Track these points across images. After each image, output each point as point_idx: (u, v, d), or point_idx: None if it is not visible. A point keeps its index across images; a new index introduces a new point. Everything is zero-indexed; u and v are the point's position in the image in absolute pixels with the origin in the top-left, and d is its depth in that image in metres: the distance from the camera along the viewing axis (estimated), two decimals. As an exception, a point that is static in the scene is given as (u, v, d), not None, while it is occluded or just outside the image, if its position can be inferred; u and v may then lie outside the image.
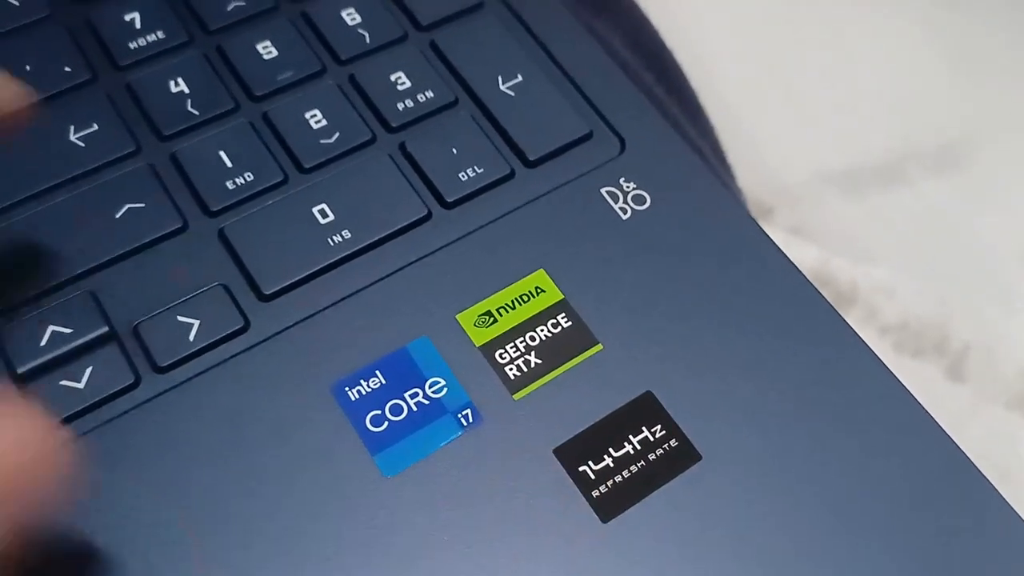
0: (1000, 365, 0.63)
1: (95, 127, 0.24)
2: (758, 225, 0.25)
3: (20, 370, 0.21)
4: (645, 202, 0.25)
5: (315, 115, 0.25)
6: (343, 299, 0.23)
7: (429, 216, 0.24)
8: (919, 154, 0.59)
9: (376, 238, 0.24)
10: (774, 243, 0.24)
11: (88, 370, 0.21)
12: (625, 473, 0.21)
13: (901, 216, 0.63)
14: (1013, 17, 0.61)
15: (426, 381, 0.22)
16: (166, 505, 0.20)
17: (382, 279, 0.23)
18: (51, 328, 0.21)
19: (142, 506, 0.20)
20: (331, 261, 0.23)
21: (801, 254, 0.62)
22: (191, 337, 0.22)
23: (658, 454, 0.21)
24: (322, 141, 0.25)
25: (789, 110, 0.61)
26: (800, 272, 0.24)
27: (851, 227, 0.63)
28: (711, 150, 0.32)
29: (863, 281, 0.63)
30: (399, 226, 0.24)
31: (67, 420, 0.21)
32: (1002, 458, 0.60)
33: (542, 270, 0.24)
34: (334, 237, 0.24)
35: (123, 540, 0.19)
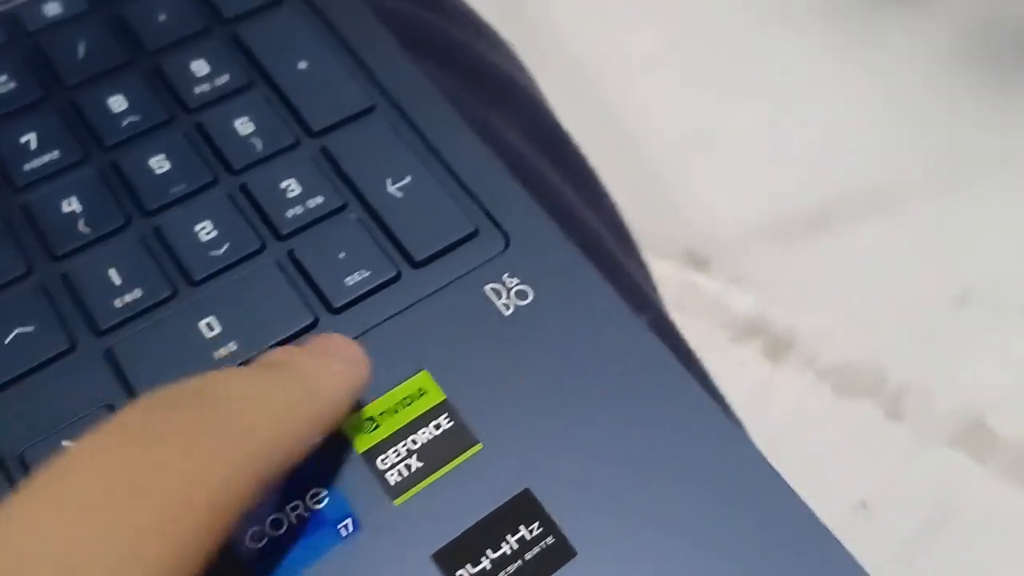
0: (938, 404, 0.63)
1: (-15, 249, 0.25)
2: (635, 317, 0.26)
3: (-95, 503, 0.21)
4: (527, 297, 0.26)
5: (205, 227, 0.26)
6: (229, 412, 0.23)
7: (316, 322, 0.25)
8: (848, 202, 0.60)
9: (261, 349, 0.24)
10: (650, 332, 0.25)
11: (-28, 500, 0.22)
12: (503, 574, 0.22)
13: (835, 263, 0.64)
14: (943, 64, 0.63)
15: (307, 493, 0.22)
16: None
17: (267, 389, 0.24)
18: (-63, 458, 0.22)
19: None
20: (218, 375, 0.24)
21: (738, 302, 0.63)
22: (76, 460, 0.22)
23: (535, 552, 0.22)
24: (211, 253, 0.26)
25: (719, 165, 0.62)
26: (676, 361, 0.25)
27: (787, 275, 0.64)
28: (612, 230, 0.33)
29: (801, 327, 0.64)
30: (285, 335, 0.25)
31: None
32: (948, 496, 0.61)
33: (425, 371, 0.24)
34: (219, 350, 0.24)
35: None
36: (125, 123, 0.28)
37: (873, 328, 0.62)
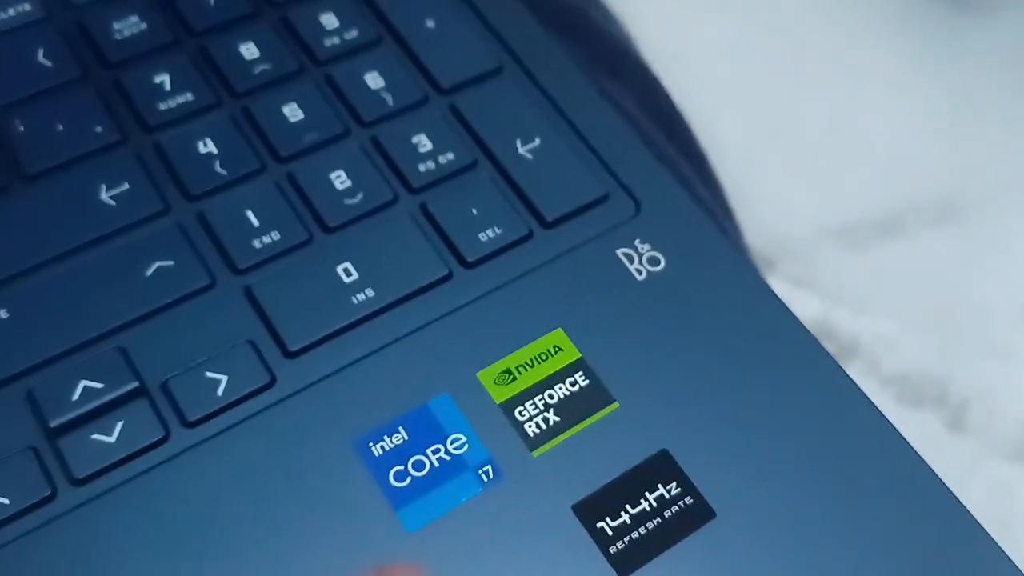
0: (1000, 417, 0.63)
1: (126, 186, 0.25)
2: (768, 286, 0.25)
3: (53, 424, 0.22)
4: (659, 263, 0.26)
5: (339, 176, 0.26)
6: (366, 356, 0.24)
7: (450, 276, 0.25)
8: (919, 207, 0.60)
9: (398, 297, 0.24)
10: (783, 303, 0.25)
11: (119, 424, 0.22)
12: (642, 530, 0.22)
13: (901, 269, 0.64)
14: (1015, 72, 0.63)
15: (448, 437, 0.22)
16: (187, 560, 0.21)
17: (404, 337, 0.24)
18: (83, 383, 0.22)
19: (162, 563, 0.20)
20: (355, 319, 0.24)
21: (803, 306, 0.63)
22: (219, 392, 0.22)
23: (673, 511, 0.22)
24: (346, 201, 0.26)
25: (790, 164, 0.62)
26: (807, 331, 0.25)
27: (852, 280, 0.64)
28: (721, 209, 0.33)
29: (864, 333, 0.64)
30: (421, 285, 0.25)
31: (98, 474, 0.21)
32: (1005, 510, 0.60)
33: (560, 329, 0.24)
34: (358, 295, 0.24)
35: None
36: (257, 71, 0.28)
37: (938, 337, 0.62)
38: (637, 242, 0.26)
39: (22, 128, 0.26)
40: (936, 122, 0.63)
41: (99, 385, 0.22)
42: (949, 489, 0.23)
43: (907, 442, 0.23)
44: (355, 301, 0.24)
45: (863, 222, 0.63)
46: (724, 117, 0.62)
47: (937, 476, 0.23)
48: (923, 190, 0.64)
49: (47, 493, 0.21)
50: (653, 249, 0.26)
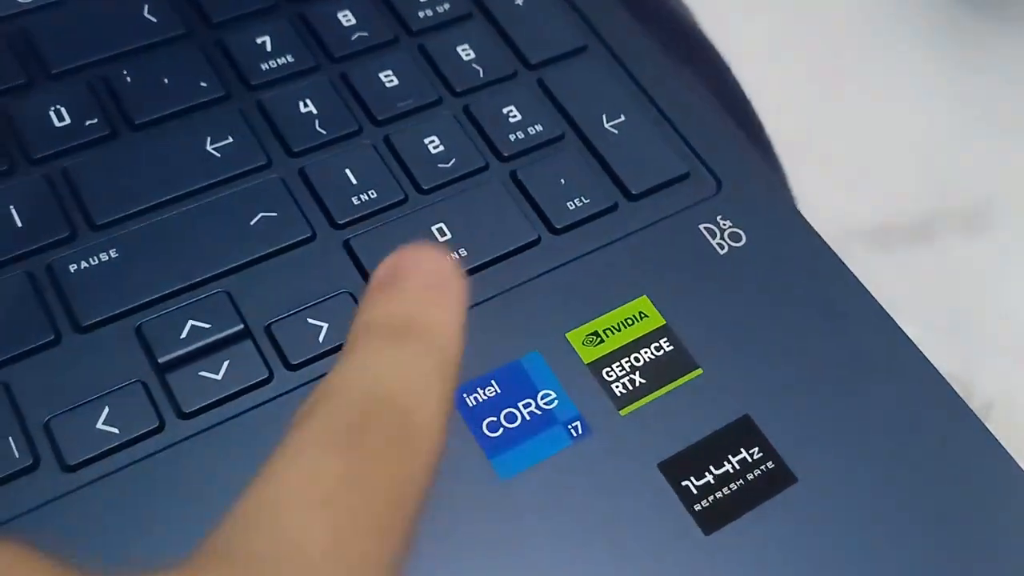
0: (1023, 421, 0.63)
1: (230, 139, 0.26)
2: (843, 264, 0.26)
3: (161, 360, 0.22)
4: (741, 239, 0.26)
5: (433, 141, 0.27)
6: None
7: (539, 241, 0.26)
8: (949, 212, 0.61)
9: (491, 257, 0.25)
10: (858, 280, 0.26)
11: (225, 363, 0.23)
12: (725, 490, 0.22)
13: (929, 273, 0.64)
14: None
15: (538, 393, 0.23)
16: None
17: (496, 296, 0.25)
18: (190, 322, 0.23)
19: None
20: (449, 276, 0.25)
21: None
22: (320, 339, 0.23)
23: (756, 474, 0.23)
24: (439, 165, 0.27)
25: (821, 165, 0.62)
26: (880, 306, 0.25)
27: (879, 282, 0.64)
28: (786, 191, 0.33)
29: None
30: (511, 248, 0.25)
31: (204, 409, 0.22)
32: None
33: (645, 296, 0.25)
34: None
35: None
36: (354, 37, 0.29)
37: (963, 341, 0.62)
38: (719, 218, 0.27)
39: (129, 79, 0.27)
40: (967, 128, 0.64)
41: (206, 325, 0.23)
42: (1020, 467, 0.23)
43: (978, 418, 0.24)
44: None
45: (892, 225, 0.63)
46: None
47: (1011, 457, 0.23)
48: (952, 196, 0.65)
49: (155, 425, 0.22)
50: (734, 226, 0.27)
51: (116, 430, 0.21)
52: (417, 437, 0.16)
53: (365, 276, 0.24)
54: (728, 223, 0.27)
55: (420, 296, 0.19)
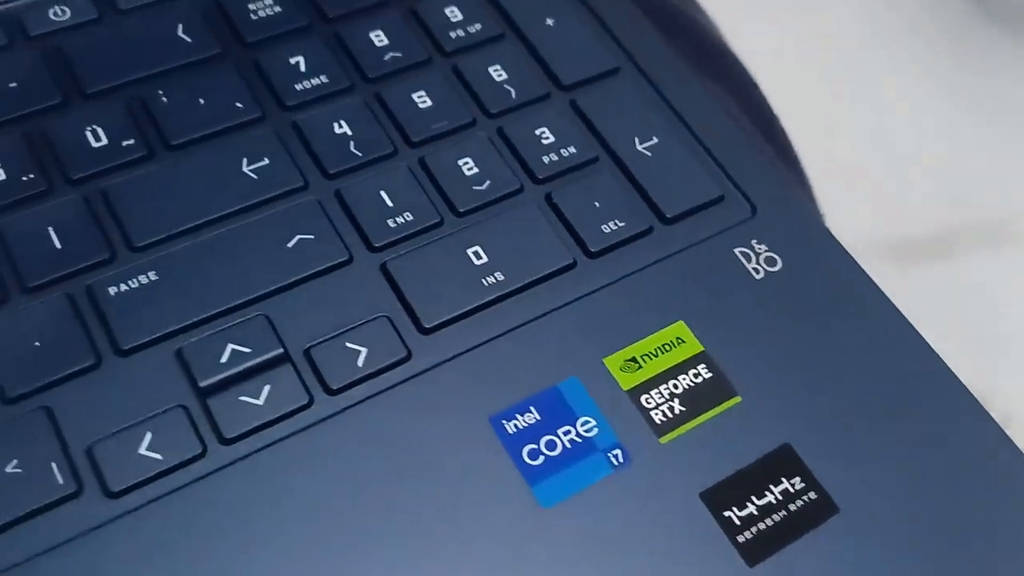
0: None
1: (266, 161, 0.26)
2: (880, 289, 0.26)
3: (202, 384, 0.22)
4: (776, 264, 0.26)
5: (467, 163, 0.27)
6: (496, 337, 0.24)
7: (574, 264, 0.26)
8: (970, 227, 0.61)
9: (526, 281, 0.25)
10: (894, 306, 0.26)
11: (266, 388, 0.22)
12: (768, 521, 0.22)
13: (948, 288, 0.65)
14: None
15: (577, 419, 0.23)
16: (326, 523, 0.21)
17: (533, 320, 0.25)
18: (230, 346, 0.23)
19: (306, 522, 0.21)
20: (486, 300, 0.25)
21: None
22: (359, 363, 0.23)
23: (798, 505, 0.23)
24: (474, 188, 0.27)
25: (843, 179, 0.62)
26: (919, 333, 0.25)
27: (898, 296, 0.64)
28: (817, 212, 0.33)
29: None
30: (547, 272, 0.25)
31: (246, 435, 0.22)
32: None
33: (682, 322, 0.25)
34: (488, 278, 0.25)
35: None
36: (387, 58, 0.29)
37: (981, 355, 0.62)
38: (754, 242, 0.27)
39: (165, 99, 0.27)
40: (990, 143, 0.64)
41: (246, 349, 0.23)
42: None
43: (1017, 447, 0.24)
44: (485, 283, 0.25)
45: (912, 240, 0.63)
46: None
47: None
48: (973, 210, 0.65)
49: (198, 451, 0.22)
50: (770, 250, 0.27)
51: (159, 456, 0.21)
52: None
53: (403, 300, 0.24)
54: (763, 247, 0.27)
55: None
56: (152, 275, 0.24)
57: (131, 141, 0.26)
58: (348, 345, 0.23)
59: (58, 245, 0.23)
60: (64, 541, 0.20)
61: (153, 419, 0.22)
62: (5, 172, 0.24)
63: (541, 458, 0.22)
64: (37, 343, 0.22)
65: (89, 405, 0.22)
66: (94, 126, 0.26)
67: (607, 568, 0.21)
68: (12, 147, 0.25)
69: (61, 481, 0.21)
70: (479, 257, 0.25)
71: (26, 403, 0.22)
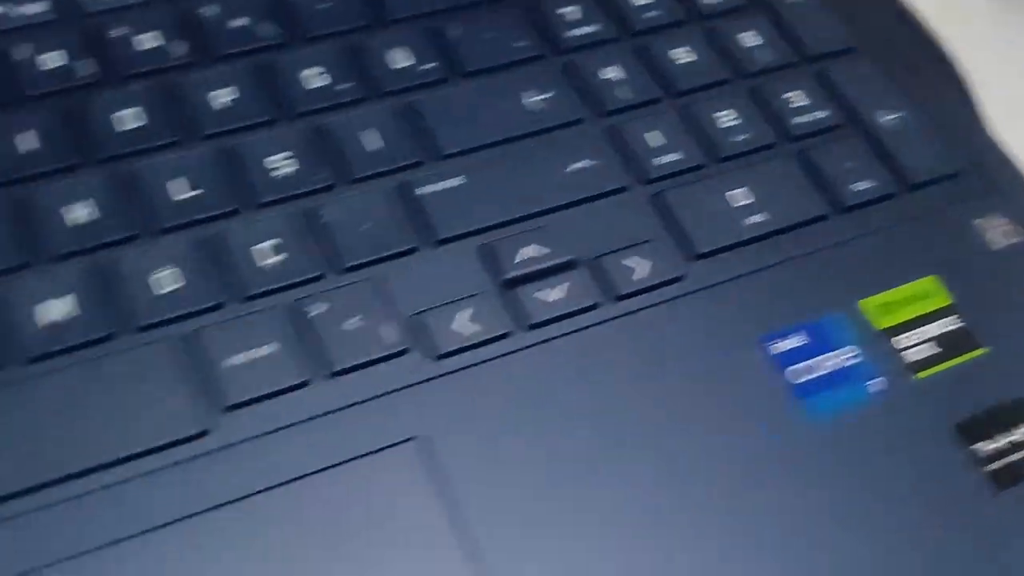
0: None
1: (549, 94, 0.29)
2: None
3: (506, 277, 0.25)
4: (1014, 236, 0.28)
5: (727, 115, 0.29)
6: (760, 270, 0.26)
7: (827, 216, 0.28)
8: None
9: (785, 225, 0.27)
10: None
11: (561, 286, 0.25)
12: (1016, 456, 0.24)
13: None
14: None
15: (839, 349, 0.25)
16: (608, 412, 0.23)
17: (793, 259, 0.27)
18: (531, 246, 0.25)
19: (587, 402, 0.23)
20: (751, 237, 0.27)
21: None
22: (638, 276, 0.25)
23: (1043, 445, 0.24)
24: (731, 139, 0.29)
25: None
26: None
27: None
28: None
29: None
30: (803, 219, 0.27)
31: (545, 323, 0.24)
32: None
33: (934, 276, 0.27)
34: (751, 218, 0.27)
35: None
36: (650, 15, 0.31)
37: None
38: (992, 215, 0.29)
39: (461, 31, 0.29)
40: None
41: (544, 250, 0.25)
42: None
43: None
44: (748, 222, 0.27)
45: None
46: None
47: None
48: None
49: (506, 331, 0.24)
50: (1010, 223, 0.28)
51: (474, 330, 0.24)
52: None
53: (676, 228, 0.27)
54: (1003, 220, 0.28)
55: None
56: (460, 180, 0.26)
57: (433, 64, 0.28)
58: (627, 262, 0.26)
59: (381, 144, 0.26)
60: (393, 390, 0.23)
61: (467, 299, 0.24)
62: (331, 77, 0.27)
63: (806, 378, 0.24)
64: (365, 225, 0.25)
65: (412, 282, 0.24)
66: (400, 47, 0.28)
67: (859, 486, 0.23)
68: (333, 55, 0.28)
69: (393, 339, 0.23)
70: (743, 199, 0.27)
71: (359, 272, 0.24)
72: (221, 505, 0.21)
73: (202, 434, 0.22)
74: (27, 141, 0.25)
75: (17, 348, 0.22)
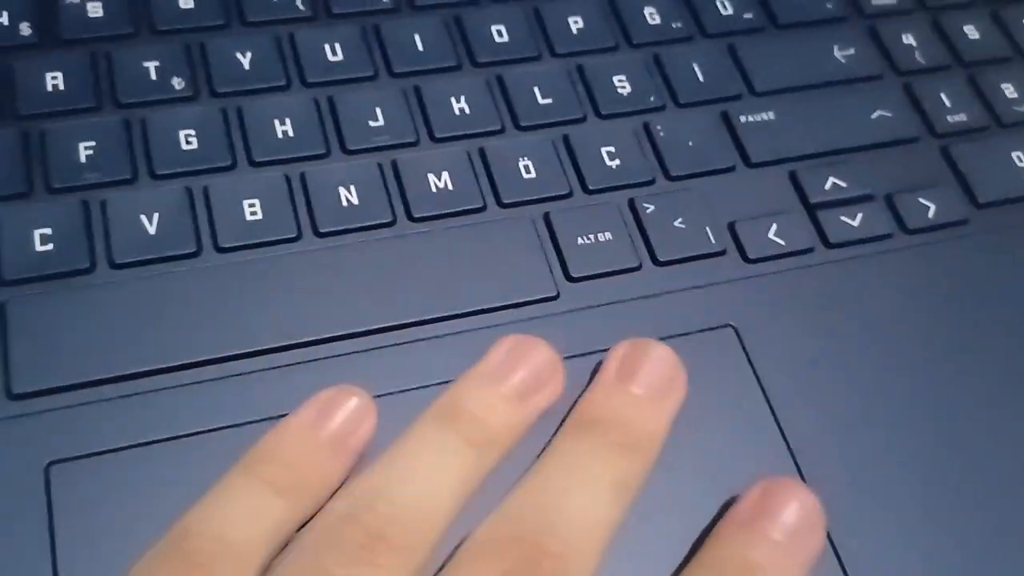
0: None
1: (852, 51, 0.32)
2: None
3: (812, 200, 0.28)
4: None
5: (1009, 87, 0.32)
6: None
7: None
8: None
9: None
10: None
11: (859, 215, 0.28)
12: None
13: None
14: None
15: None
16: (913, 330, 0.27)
17: (1069, 219, 0.29)
18: (832, 179, 0.29)
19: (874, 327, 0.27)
20: (1028, 194, 0.30)
21: None
22: (930, 215, 0.29)
23: None
24: (1015, 108, 0.32)
25: None
26: None
27: None
28: None
29: None
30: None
31: (836, 245, 0.28)
32: None
33: None
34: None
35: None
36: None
37: None
38: None
39: (774, -11, 0.33)
40: None
41: (844, 184, 0.29)
42: None
43: None
44: (1025, 181, 0.30)
45: None
46: None
47: None
48: None
49: (810, 246, 0.28)
50: None
51: (782, 242, 0.28)
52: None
53: (960, 178, 0.30)
54: None
55: (652, 406, 0.23)
56: (772, 114, 0.30)
57: (751, 15, 0.32)
58: (919, 200, 0.29)
59: (701, 79, 0.30)
60: (710, 284, 0.27)
61: (777, 215, 0.28)
62: (663, 16, 0.32)
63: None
64: (690, 143, 0.29)
65: (729, 195, 0.28)
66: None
67: None
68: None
69: (713, 241, 0.27)
70: (1021, 160, 0.30)
71: (685, 182, 0.28)
72: (569, 357, 0.25)
73: (554, 297, 0.26)
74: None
75: (414, 207, 0.27)
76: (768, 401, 0.25)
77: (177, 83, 0.28)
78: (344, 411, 0.22)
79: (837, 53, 0.32)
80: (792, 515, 0.21)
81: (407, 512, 0.20)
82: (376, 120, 0.28)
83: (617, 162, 0.28)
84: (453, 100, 0.29)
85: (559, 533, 0.20)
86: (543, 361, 0.23)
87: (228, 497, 0.20)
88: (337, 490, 0.21)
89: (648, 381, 0.23)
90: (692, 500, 0.23)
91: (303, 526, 0.21)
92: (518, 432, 0.22)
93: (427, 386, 0.24)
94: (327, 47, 0.29)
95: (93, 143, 0.26)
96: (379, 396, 0.23)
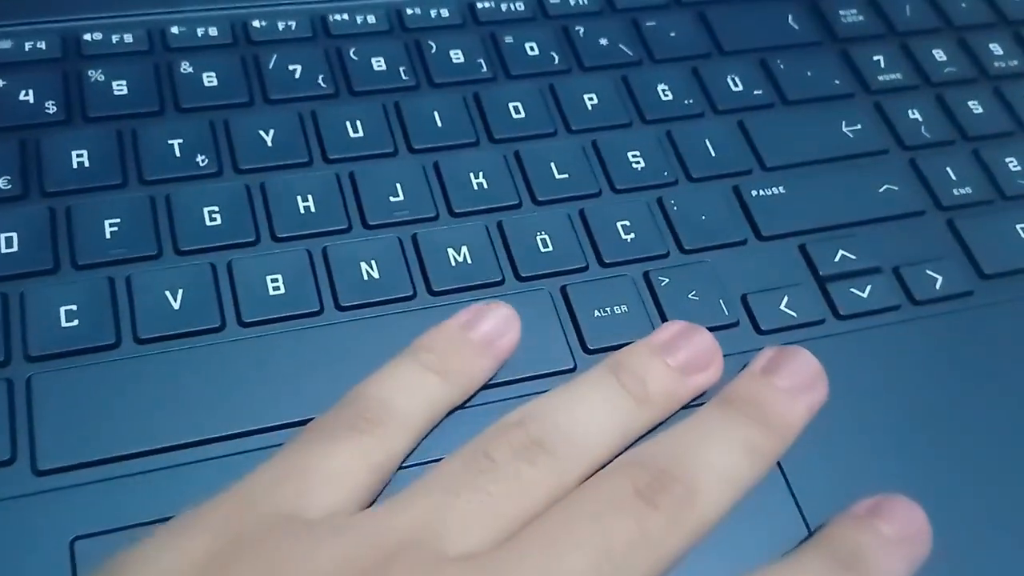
0: None
1: (859, 126, 0.33)
2: None
3: (822, 273, 0.29)
4: None
5: (1013, 160, 0.33)
6: (1045, 296, 0.30)
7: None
8: None
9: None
10: None
11: (868, 287, 0.29)
12: None
13: None
14: None
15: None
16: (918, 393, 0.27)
17: (1074, 291, 0.30)
18: (841, 252, 0.30)
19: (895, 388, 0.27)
20: (1033, 266, 0.30)
21: None
22: (937, 287, 0.29)
23: None
24: (1018, 180, 0.32)
25: None
26: None
27: None
28: None
29: None
30: None
31: (846, 317, 0.28)
32: None
33: None
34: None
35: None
36: (947, 71, 0.35)
37: None
38: None
39: (783, 67, 0.34)
40: None
41: (853, 256, 0.29)
42: None
43: None
44: (1033, 254, 0.31)
45: None
46: None
47: None
48: None
49: (821, 318, 0.28)
50: None
51: (793, 313, 0.28)
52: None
53: (965, 250, 0.30)
54: None
55: (786, 393, 0.24)
56: (781, 188, 0.31)
57: (760, 91, 0.33)
58: (926, 272, 0.30)
59: (713, 153, 0.31)
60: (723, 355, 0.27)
61: (787, 288, 0.29)
62: (676, 93, 0.32)
63: (1087, 391, 0.28)
64: (703, 216, 0.30)
65: (740, 268, 0.29)
66: (733, 76, 0.33)
67: None
68: (679, 76, 0.33)
69: (726, 312, 0.28)
70: (1025, 233, 0.31)
71: (698, 255, 0.29)
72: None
73: (572, 369, 0.27)
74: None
75: (433, 281, 0.28)
76: (781, 468, 0.25)
77: (201, 160, 0.28)
78: (493, 317, 0.25)
79: (845, 128, 0.33)
80: (904, 521, 0.23)
81: (567, 433, 0.23)
82: (396, 195, 0.29)
83: (632, 235, 0.29)
84: (471, 175, 0.29)
85: (693, 470, 0.22)
86: (708, 347, 0.25)
87: (391, 373, 0.24)
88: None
89: (791, 377, 0.25)
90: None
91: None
92: (675, 402, 0.24)
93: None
94: (348, 124, 0.30)
95: (118, 219, 0.27)
96: (404, 467, 0.23)
